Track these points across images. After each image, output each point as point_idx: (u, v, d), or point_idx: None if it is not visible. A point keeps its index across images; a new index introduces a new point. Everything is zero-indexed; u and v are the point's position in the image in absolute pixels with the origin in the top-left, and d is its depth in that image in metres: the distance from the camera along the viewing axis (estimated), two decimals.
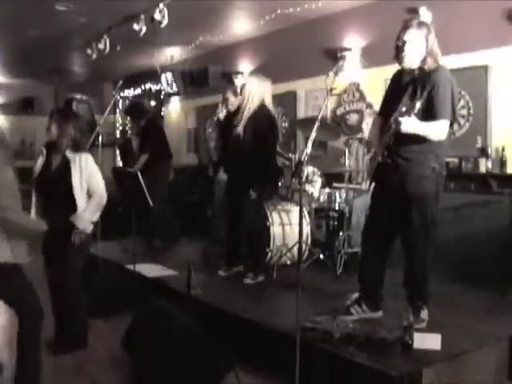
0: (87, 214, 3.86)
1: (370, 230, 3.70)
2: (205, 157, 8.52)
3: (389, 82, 3.69)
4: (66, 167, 3.83)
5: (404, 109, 3.10)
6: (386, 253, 3.63)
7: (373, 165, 3.60)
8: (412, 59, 3.36)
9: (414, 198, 3.35)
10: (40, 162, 3.93)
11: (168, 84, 8.99)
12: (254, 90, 4.69)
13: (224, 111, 5.05)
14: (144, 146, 6.60)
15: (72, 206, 3.82)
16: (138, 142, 6.88)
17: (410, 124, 3.12)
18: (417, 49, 3.34)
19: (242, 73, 7.83)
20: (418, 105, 3.03)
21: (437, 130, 3.26)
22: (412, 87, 3.34)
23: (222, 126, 5.02)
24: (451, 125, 3.31)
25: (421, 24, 3.39)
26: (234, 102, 5.07)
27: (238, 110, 4.88)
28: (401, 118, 3.10)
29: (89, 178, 3.88)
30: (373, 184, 3.70)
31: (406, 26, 3.38)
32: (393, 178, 3.40)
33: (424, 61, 3.33)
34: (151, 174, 6.44)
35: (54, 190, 3.82)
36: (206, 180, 7.47)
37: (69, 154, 3.86)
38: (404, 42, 3.34)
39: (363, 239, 3.78)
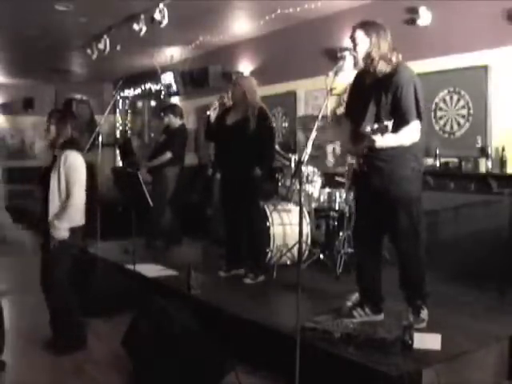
0: (61, 220, 3.69)
1: (358, 234, 3.71)
2: (205, 156, 8.54)
3: (352, 81, 3.68)
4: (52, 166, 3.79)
5: (376, 126, 3.05)
6: (378, 252, 3.65)
7: (350, 170, 3.59)
8: (366, 62, 3.37)
9: (397, 200, 3.36)
10: (46, 162, 3.91)
11: (168, 84, 8.99)
12: (246, 87, 4.70)
13: (216, 112, 4.90)
14: (171, 144, 6.45)
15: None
16: (163, 138, 6.71)
17: (383, 140, 3.11)
18: (369, 51, 3.33)
19: (242, 73, 7.82)
20: (390, 126, 2.99)
21: (409, 135, 3.28)
22: (376, 91, 3.34)
23: (212, 126, 4.90)
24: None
25: (369, 26, 3.39)
26: (228, 101, 4.98)
27: (230, 108, 4.86)
28: (374, 137, 3.08)
29: (67, 177, 3.72)
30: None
31: (352, 30, 3.41)
32: (374, 180, 3.40)
33: (381, 62, 3.32)
34: (163, 174, 6.41)
35: (47, 191, 3.78)
36: (205, 179, 7.48)
37: (57, 152, 3.80)
38: (356, 45, 3.37)
39: (354, 243, 3.77)
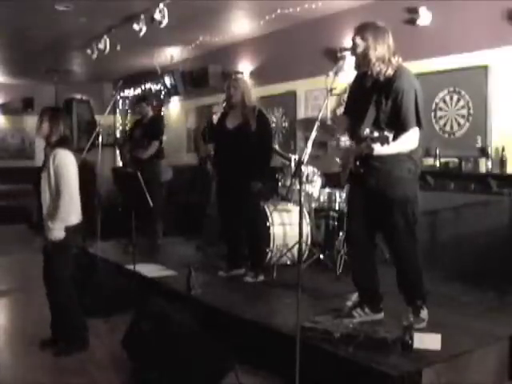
0: (53, 220, 3.62)
1: (351, 233, 3.69)
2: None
3: (352, 81, 3.68)
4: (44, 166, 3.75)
5: (376, 134, 3.04)
6: (373, 252, 3.65)
7: (345, 171, 3.58)
8: (363, 64, 3.37)
9: (393, 201, 3.36)
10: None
11: (168, 84, 8.98)
12: (243, 89, 4.74)
13: (219, 114, 4.96)
14: (155, 133, 6.49)
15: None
16: (141, 131, 6.72)
17: (381, 149, 3.10)
18: (365, 53, 3.33)
19: (241, 73, 7.83)
20: (391, 138, 2.99)
21: (408, 142, 3.28)
22: (376, 95, 3.34)
23: (214, 129, 4.97)
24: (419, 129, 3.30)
25: (366, 29, 3.37)
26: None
27: (228, 111, 4.88)
28: (373, 145, 3.08)
29: (56, 176, 3.64)
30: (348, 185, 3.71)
31: (353, 33, 3.40)
32: (370, 181, 3.40)
33: (379, 64, 3.31)
34: (152, 170, 6.42)
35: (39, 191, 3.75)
36: (205, 179, 7.46)
37: (48, 151, 3.74)
38: (354, 48, 3.37)
39: (347, 243, 3.75)
